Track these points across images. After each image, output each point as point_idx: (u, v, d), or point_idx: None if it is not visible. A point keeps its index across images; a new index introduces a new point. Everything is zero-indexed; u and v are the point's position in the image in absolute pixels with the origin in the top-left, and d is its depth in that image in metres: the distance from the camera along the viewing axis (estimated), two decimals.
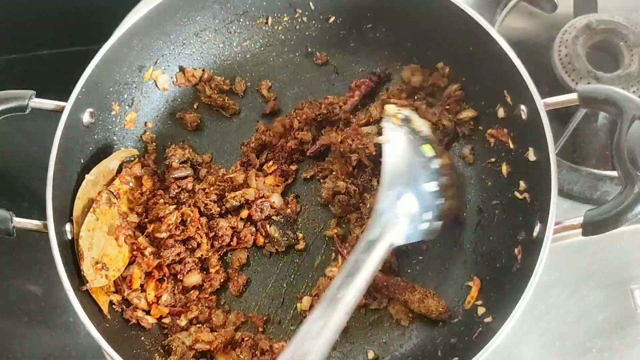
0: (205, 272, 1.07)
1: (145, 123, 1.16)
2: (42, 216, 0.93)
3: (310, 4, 1.19)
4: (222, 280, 1.06)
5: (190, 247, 1.05)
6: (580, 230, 0.88)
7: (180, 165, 1.11)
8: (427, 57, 1.14)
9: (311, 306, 1.04)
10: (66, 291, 0.90)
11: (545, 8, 1.28)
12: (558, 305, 1.05)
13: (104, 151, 1.09)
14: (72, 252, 0.96)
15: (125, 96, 1.13)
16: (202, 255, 1.06)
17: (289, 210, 1.10)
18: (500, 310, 0.90)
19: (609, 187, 1.10)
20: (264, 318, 1.05)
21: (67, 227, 0.97)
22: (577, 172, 1.12)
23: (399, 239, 0.96)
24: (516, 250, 0.98)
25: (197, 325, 1.02)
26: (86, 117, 1.03)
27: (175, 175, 1.09)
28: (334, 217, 1.10)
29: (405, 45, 1.17)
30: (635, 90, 1.13)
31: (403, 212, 0.97)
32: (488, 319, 0.96)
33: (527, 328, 1.04)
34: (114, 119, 1.11)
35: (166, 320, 1.03)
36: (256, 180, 1.11)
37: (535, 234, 0.94)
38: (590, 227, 0.87)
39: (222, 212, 1.08)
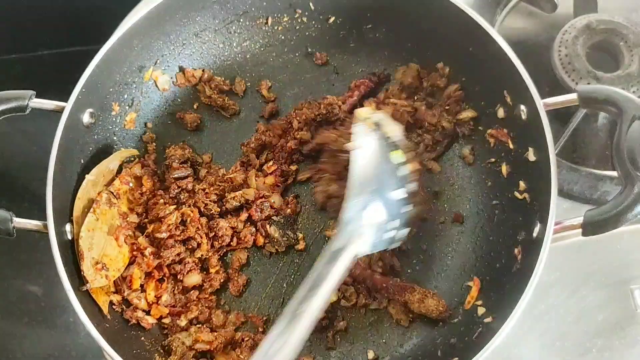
0: (205, 272, 1.07)
1: (145, 123, 1.16)
2: (42, 216, 0.93)
3: (310, 4, 1.19)
4: (222, 280, 1.06)
5: (190, 247, 1.05)
6: (580, 230, 0.88)
7: (180, 166, 1.11)
8: (427, 57, 1.14)
9: None
10: (66, 291, 0.90)
11: (545, 8, 1.28)
12: (558, 305, 1.05)
13: (104, 151, 1.09)
14: (72, 252, 0.96)
15: (125, 96, 1.13)
16: (202, 255, 1.06)
17: (288, 211, 1.10)
18: (500, 310, 0.91)
19: (609, 187, 1.10)
20: (264, 318, 1.05)
21: (67, 227, 0.97)
22: (577, 172, 1.12)
23: (364, 249, 0.93)
24: (516, 251, 0.98)
25: (197, 326, 1.02)
26: (86, 118, 1.03)
27: (175, 176, 1.09)
28: (333, 218, 1.10)
29: (405, 46, 1.17)
30: (635, 91, 1.13)
31: (369, 221, 0.94)
32: (488, 319, 0.96)
33: (527, 328, 1.04)
34: (114, 119, 1.11)
35: (166, 321, 1.03)
36: (256, 180, 1.10)
37: (535, 234, 0.94)
38: (590, 227, 0.87)
39: (222, 212, 1.08)
